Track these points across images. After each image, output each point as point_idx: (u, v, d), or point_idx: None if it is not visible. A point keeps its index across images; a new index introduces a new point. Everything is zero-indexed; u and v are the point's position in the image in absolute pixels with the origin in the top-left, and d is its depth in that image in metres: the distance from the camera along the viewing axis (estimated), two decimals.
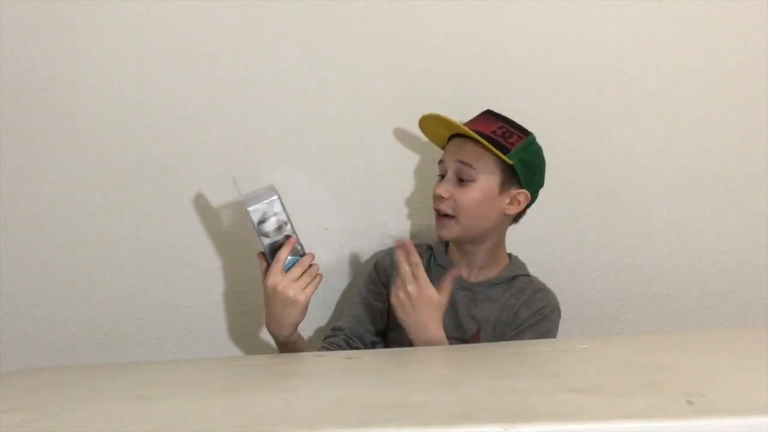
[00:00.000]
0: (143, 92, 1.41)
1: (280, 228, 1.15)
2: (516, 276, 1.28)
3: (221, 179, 1.43)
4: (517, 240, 1.44)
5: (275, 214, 1.14)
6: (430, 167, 1.38)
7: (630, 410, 0.60)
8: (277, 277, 1.13)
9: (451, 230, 1.24)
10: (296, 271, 1.14)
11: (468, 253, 1.29)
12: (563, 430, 0.55)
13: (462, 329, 1.24)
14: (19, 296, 1.44)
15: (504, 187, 1.23)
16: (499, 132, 1.22)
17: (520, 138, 1.23)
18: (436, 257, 1.32)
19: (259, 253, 1.16)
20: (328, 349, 1.25)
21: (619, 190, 1.44)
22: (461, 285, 1.26)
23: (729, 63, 1.42)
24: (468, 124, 1.25)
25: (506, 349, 1.04)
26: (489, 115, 1.27)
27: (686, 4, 1.41)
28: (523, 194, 1.24)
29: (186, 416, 0.69)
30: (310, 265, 1.15)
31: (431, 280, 1.14)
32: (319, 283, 1.15)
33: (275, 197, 1.14)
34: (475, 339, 1.24)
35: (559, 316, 1.25)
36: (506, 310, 1.24)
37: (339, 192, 1.43)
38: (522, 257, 1.36)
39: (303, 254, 1.16)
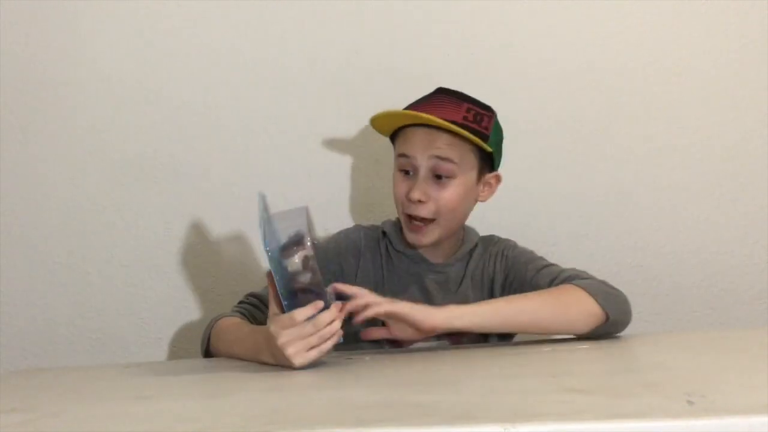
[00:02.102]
0: (144, 92, 1.41)
1: (305, 264, 0.89)
2: (476, 243, 1.20)
3: (221, 179, 1.43)
4: (517, 240, 1.44)
5: (302, 245, 0.89)
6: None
7: (630, 410, 0.60)
8: (279, 330, 0.89)
9: (431, 235, 1.11)
10: (308, 329, 0.88)
11: (434, 243, 1.15)
12: (563, 430, 0.55)
13: None
14: (19, 296, 1.44)
15: (480, 175, 1.14)
16: (470, 117, 1.09)
17: (489, 118, 1.13)
18: (392, 243, 1.18)
19: (268, 274, 0.92)
20: (241, 313, 1.11)
21: (619, 190, 1.44)
22: (430, 269, 1.16)
23: (729, 63, 1.42)
24: (430, 111, 1.08)
25: (506, 349, 1.04)
26: (448, 96, 1.13)
27: (686, 5, 1.41)
28: (494, 177, 1.17)
29: (186, 416, 0.69)
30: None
31: (391, 267, 1.10)
32: (331, 347, 0.91)
33: (304, 224, 0.91)
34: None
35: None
36: (484, 275, 1.17)
37: (339, 192, 1.43)
38: None
39: (326, 303, 0.90)
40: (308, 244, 0.89)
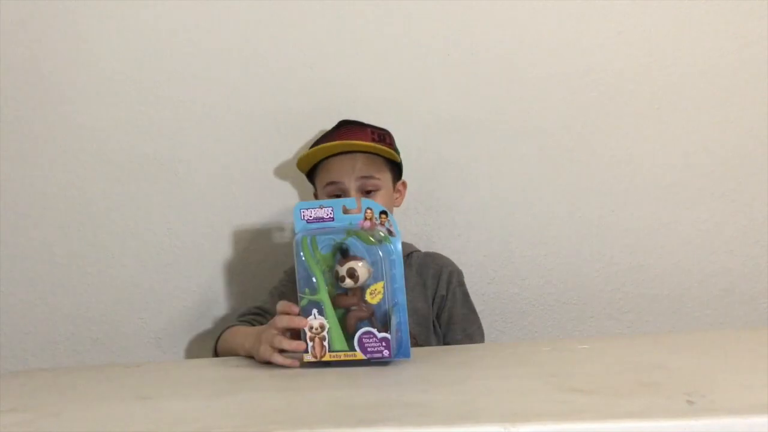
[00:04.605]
0: (144, 92, 1.41)
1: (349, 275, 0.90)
2: (409, 254, 1.30)
3: (221, 179, 1.43)
4: (518, 240, 1.44)
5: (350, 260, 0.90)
6: None
7: (630, 410, 0.60)
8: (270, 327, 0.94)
9: None
10: (284, 320, 0.93)
11: None
12: (563, 430, 0.55)
13: None
14: (19, 296, 1.44)
15: (394, 183, 1.29)
16: (377, 137, 1.26)
17: (390, 136, 1.29)
18: None
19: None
20: (249, 323, 1.18)
21: (619, 190, 1.44)
22: None
23: (729, 63, 1.42)
24: (343, 140, 1.23)
25: (506, 349, 1.04)
26: (351, 126, 1.28)
27: (686, 5, 1.41)
28: (402, 183, 1.33)
29: (186, 416, 0.69)
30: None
31: None
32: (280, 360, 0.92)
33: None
34: None
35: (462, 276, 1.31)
36: (427, 284, 1.27)
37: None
38: (522, 257, 1.36)
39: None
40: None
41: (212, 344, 1.19)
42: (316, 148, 1.25)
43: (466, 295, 1.30)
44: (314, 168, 1.29)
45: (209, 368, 1.01)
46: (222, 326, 1.23)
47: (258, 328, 1.06)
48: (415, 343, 1.20)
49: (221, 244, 1.44)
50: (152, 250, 1.43)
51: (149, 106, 1.41)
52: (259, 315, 1.24)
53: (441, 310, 1.27)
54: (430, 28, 1.40)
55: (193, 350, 1.46)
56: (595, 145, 1.44)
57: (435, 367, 0.93)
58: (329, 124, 1.35)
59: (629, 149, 1.44)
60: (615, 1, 1.41)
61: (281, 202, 1.43)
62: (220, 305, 1.45)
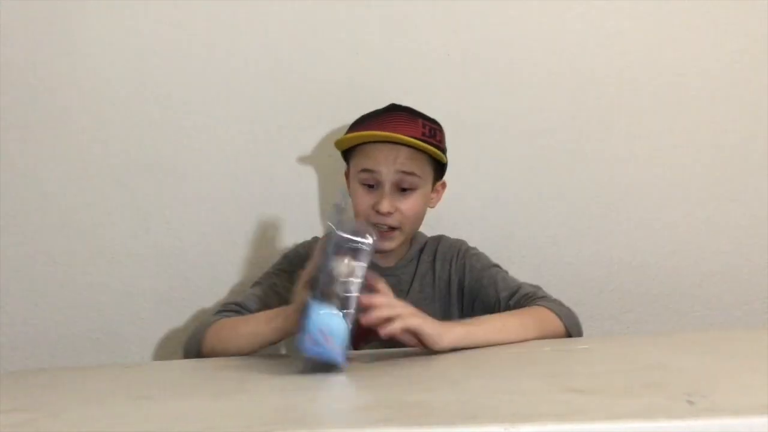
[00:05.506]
0: (143, 92, 1.41)
1: (349, 275, 0.89)
2: (423, 244, 1.27)
3: (221, 179, 1.43)
4: (518, 240, 1.44)
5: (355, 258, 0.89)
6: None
7: (630, 410, 0.60)
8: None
9: (396, 241, 1.19)
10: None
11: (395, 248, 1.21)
12: (563, 430, 0.55)
13: None
14: (19, 296, 1.44)
15: (434, 184, 1.23)
16: (427, 132, 1.17)
17: (441, 132, 1.21)
18: None
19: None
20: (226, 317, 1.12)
21: (619, 190, 1.44)
22: (380, 273, 1.07)
23: (729, 63, 1.42)
24: (390, 129, 1.15)
25: (506, 349, 1.04)
26: (401, 113, 1.20)
27: (686, 5, 1.41)
28: (441, 184, 1.26)
29: (186, 416, 0.69)
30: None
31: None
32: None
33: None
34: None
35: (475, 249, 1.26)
36: (436, 277, 1.23)
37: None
38: (522, 257, 1.36)
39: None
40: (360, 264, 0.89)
41: (185, 345, 1.11)
42: (361, 133, 1.16)
43: (480, 258, 1.23)
44: (352, 147, 1.21)
45: (209, 368, 1.01)
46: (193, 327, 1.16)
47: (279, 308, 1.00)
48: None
49: (221, 244, 1.44)
50: (152, 250, 1.43)
51: (149, 107, 1.41)
52: (239, 312, 1.13)
53: (476, 295, 1.21)
54: (430, 28, 1.40)
55: (193, 351, 1.45)
56: (595, 145, 1.44)
57: (435, 367, 0.93)
58: (330, 125, 1.35)
59: (629, 149, 1.44)
60: (615, 1, 1.41)
61: (282, 203, 1.43)
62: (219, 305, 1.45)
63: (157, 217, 1.43)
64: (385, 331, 0.93)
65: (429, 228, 1.34)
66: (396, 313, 0.93)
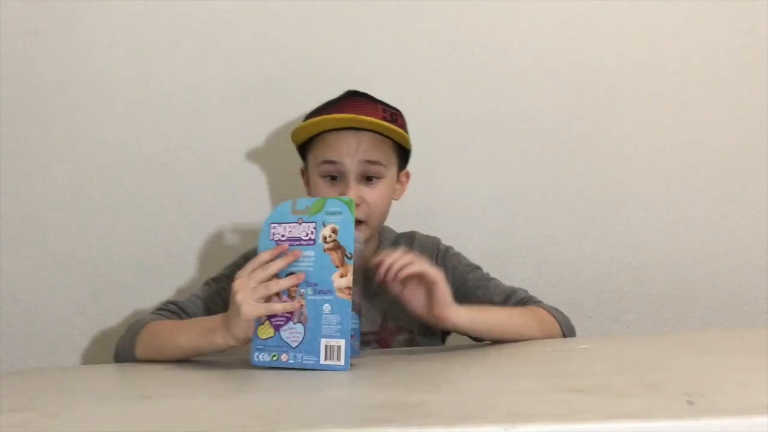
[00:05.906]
0: (143, 92, 1.41)
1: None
2: (395, 238, 1.20)
3: (221, 179, 1.43)
4: (517, 240, 1.44)
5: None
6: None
7: (630, 410, 0.60)
8: (242, 273, 0.91)
9: (362, 235, 1.08)
10: (259, 274, 0.89)
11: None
12: (563, 430, 0.55)
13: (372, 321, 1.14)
14: (19, 296, 1.44)
15: (398, 173, 1.15)
16: (389, 117, 1.09)
17: (402, 117, 1.13)
18: None
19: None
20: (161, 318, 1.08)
21: (618, 190, 1.44)
22: None
23: (729, 63, 1.42)
24: (350, 113, 1.07)
25: (506, 349, 1.04)
26: (360, 98, 1.12)
27: (686, 4, 1.41)
28: (405, 174, 1.18)
29: (186, 416, 0.69)
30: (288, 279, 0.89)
31: None
32: (281, 309, 0.89)
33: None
34: (384, 325, 1.15)
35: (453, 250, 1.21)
36: None
37: None
38: (522, 257, 1.36)
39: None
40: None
41: (117, 347, 1.06)
42: (320, 118, 1.07)
43: (461, 258, 1.18)
44: (309, 140, 1.12)
45: (209, 368, 1.01)
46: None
47: (217, 315, 0.95)
48: (412, 340, 1.16)
49: (221, 245, 1.44)
50: (152, 251, 1.43)
51: (149, 106, 1.41)
52: (176, 314, 1.09)
53: (460, 298, 1.08)
54: (430, 28, 1.40)
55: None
56: (595, 145, 1.44)
57: (435, 367, 0.93)
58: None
59: (629, 149, 1.44)
60: (615, 1, 1.41)
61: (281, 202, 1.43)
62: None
63: (157, 217, 1.43)
64: (403, 272, 0.92)
65: (428, 227, 1.34)
66: (414, 260, 0.93)
